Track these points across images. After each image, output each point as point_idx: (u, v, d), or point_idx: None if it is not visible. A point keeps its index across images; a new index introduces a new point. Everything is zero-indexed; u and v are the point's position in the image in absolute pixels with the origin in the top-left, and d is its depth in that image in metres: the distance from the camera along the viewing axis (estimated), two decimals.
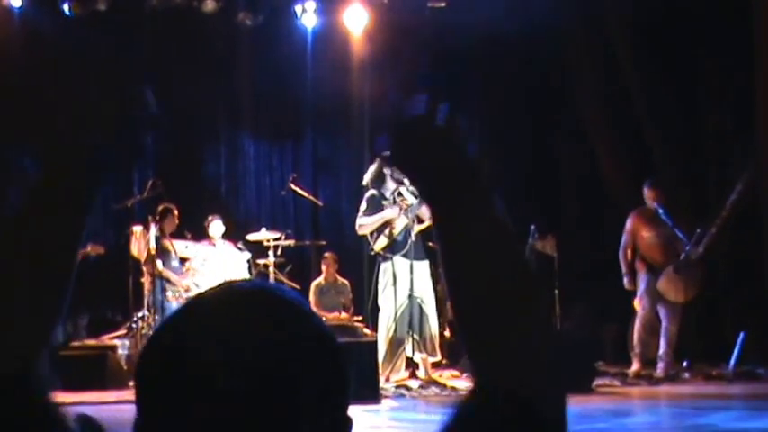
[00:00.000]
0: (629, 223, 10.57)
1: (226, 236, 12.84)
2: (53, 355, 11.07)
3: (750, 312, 10.63)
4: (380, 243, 9.62)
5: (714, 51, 11.15)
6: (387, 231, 9.61)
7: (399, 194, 9.61)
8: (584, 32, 12.53)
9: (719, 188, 10.31)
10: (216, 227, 12.72)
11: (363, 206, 9.75)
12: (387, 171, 9.64)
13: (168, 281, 11.49)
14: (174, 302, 11.44)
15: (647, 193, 10.46)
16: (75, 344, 12.25)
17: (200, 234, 12.64)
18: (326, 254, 13.60)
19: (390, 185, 9.71)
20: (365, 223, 9.64)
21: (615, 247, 10.75)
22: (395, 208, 9.56)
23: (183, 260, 11.97)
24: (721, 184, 10.36)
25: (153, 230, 11.24)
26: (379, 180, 9.75)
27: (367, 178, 9.85)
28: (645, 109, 11.66)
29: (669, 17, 11.23)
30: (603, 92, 12.33)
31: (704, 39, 11.18)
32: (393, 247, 9.61)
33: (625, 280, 10.59)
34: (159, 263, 11.44)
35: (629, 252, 10.60)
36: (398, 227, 9.58)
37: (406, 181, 9.51)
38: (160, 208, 11.66)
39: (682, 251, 10.19)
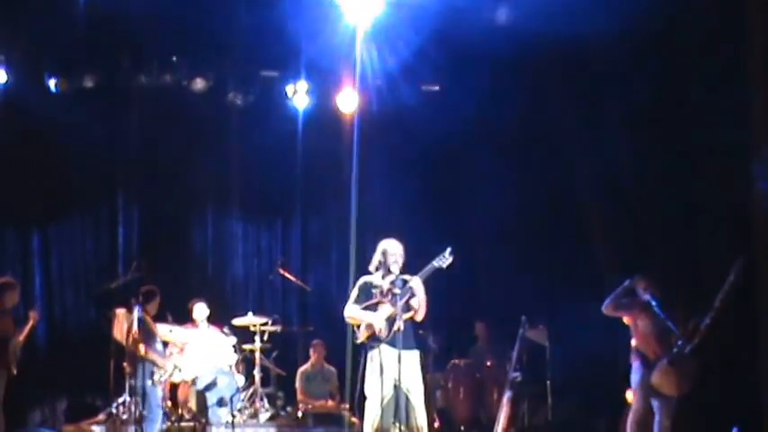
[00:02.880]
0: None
1: (211, 319, 12.63)
2: None
3: (743, 407, 10.40)
4: (366, 332, 9.35)
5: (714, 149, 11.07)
6: None
7: (392, 283, 9.35)
8: (583, 125, 12.45)
9: (715, 278, 10.08)
10: (199, 310, 12.53)
11: (355, 293, 9.50)
12: (381, 259, 9.41)
13: (154, 364, 11.09)
14: (159, 387, 11.12)
15: (640, 283, 10.29)
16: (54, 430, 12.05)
17: (185, 317, 12.41)
18: (315, 341, 13.42)
19: (379, 274, 9.44)
20: (351, 315, 9.38)
21: (607, 337, 10.52)
22: (380, 312, 9.26)
23: (165, 344, 11.70)
24: (716, 274, 10.14)
25: (136, 312, 10.93)
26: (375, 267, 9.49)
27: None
28: (642, 202, 11.58)
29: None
30: (602, 183, 12.24)
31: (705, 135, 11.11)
32: (378, 336, 9.34)
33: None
34: (142, 346, 11.12)
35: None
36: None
37: (393, 269, 9.27)
38: (144, 290, 11.39)
39: (676, 343, 9.97)
